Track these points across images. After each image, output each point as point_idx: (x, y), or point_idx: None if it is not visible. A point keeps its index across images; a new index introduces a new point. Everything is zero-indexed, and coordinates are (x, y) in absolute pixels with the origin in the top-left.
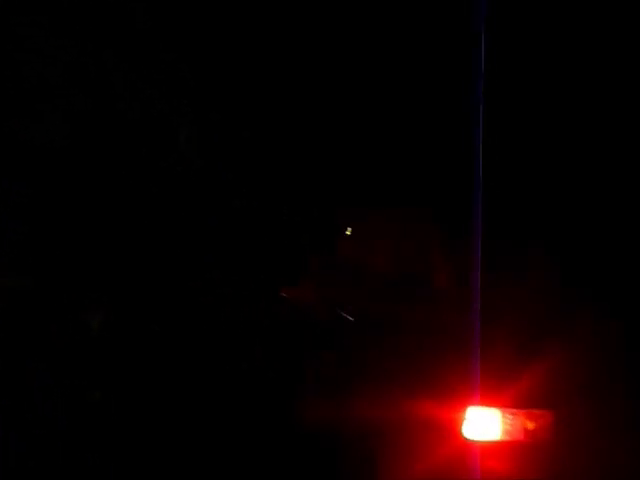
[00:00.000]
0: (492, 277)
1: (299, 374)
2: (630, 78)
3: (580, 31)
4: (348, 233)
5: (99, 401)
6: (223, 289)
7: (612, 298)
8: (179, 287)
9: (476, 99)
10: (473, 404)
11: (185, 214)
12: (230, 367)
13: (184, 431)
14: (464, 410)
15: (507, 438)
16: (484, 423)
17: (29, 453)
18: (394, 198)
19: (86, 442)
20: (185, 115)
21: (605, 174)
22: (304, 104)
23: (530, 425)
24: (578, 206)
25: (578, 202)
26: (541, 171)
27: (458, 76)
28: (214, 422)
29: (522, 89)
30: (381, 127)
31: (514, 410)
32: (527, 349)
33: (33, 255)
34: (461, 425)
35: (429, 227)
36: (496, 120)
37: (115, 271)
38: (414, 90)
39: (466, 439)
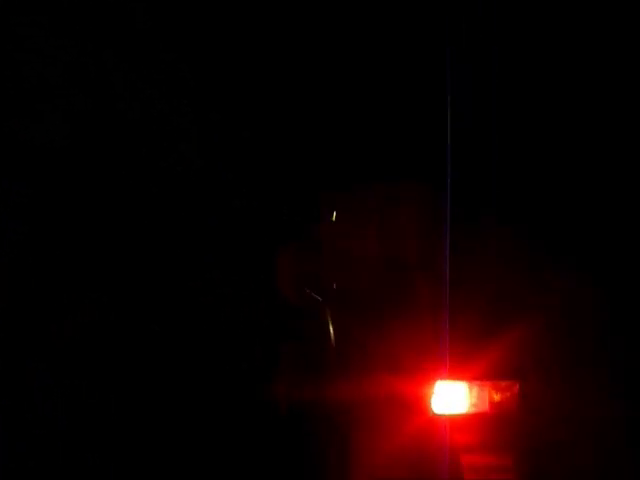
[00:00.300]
0: (459, 254)
1: (274, 358)
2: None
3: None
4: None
5: (99, 401)
6: (223, 289)
7: (578, 271)
8: (179, 287)
9: (455, 87)
10: (441, 379)
11: (185, 214)
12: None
13: (180, 427)
14: (432, 385)
15: (474, 410)
16: (451, 397)
17: (29, 453)
18: (369, 180)
19: (86, 442)
20: (185, 115)
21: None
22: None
23: (496, 397)
24: (545, 185)
25: (545, 180)
26: (512, 151)
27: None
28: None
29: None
30: (361, 113)
31: (480, 383)
32: (492, 322)
33: (33, 255)
34: (429, 400)
35: (399, 207)
36: (474, 106)
37: (115, 271)
38: (392, 74)
39: (434, 413)
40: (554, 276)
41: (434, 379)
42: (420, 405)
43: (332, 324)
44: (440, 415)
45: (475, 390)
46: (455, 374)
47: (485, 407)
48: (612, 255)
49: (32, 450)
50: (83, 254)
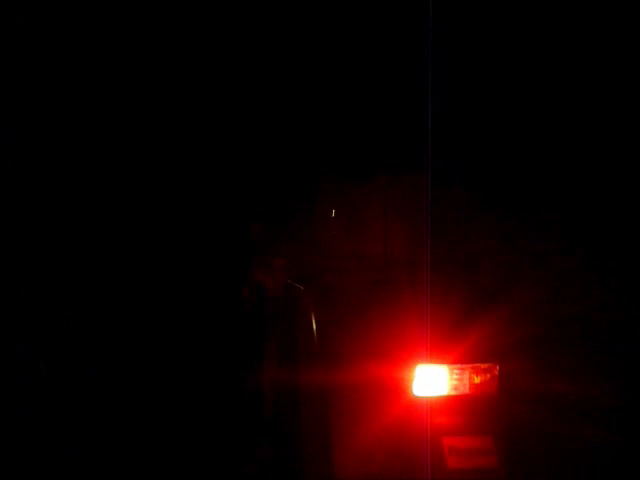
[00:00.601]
0: (440, 241)
1: (259, 346)
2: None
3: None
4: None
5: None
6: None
7: (554, 256)
8: (163, 278)
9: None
10: (421, 362)
11: (169, 209)
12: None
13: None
14: (413, 368)
15: (455, 393)
16: (432, 380)
17: (29, 452)
18: (351, 171)
19: (86, 442)
20: (179, 116)
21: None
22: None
23: (476, 379)
24: (522, 176)
25: (522, 172)
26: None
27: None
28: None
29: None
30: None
31: (461, 365)
32: (471, 306)
33: (33, 256)
34: (410, 383)
35: (383, 197)
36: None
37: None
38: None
39: (415, 396)
40: (533, 260)
41: (415, 362)
42: (401, 388)
43: (314, 311)
44: (421, 398)
45: (455, 373)
46: (435, 357)
47: (465, 389)
48: (588, 239)
49: (32, 450)
50: (82, 254)
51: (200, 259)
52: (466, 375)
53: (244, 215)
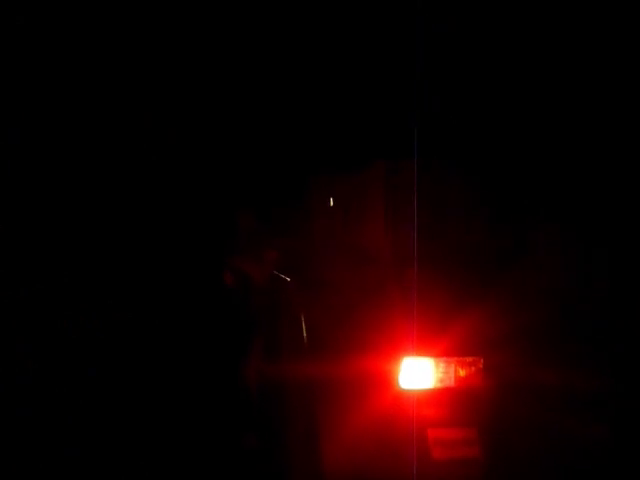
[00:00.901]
0: (426, 240)
1: (247, 339)
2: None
3: None
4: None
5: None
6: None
7: (537, 253)
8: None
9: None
10: (408, 355)
11: (159, 208)
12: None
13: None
14: (399, 361)
15: (440, 385)
16: (418, 372)
17: (29, 452)
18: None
19: (86, 441)
20: (181, 114)
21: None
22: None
23: (462, 372)
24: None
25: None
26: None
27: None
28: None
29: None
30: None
31: (446, 359)
32: (457, 301)
33: (33, 256)
34: (397, 376)
35: (371, 193)
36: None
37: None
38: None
39: (402, 388)
40: (517, 256)
41: (401, 355)
42: (388, 380)
43: (301, 304)
44: (407, 390)
45: (441, 366)
46: (421, 350)
47: (451, 382)
48: (569, 235)
49: (31, 449)
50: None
51: (184, 245)
52: (451, 368)
53: (232, 204)
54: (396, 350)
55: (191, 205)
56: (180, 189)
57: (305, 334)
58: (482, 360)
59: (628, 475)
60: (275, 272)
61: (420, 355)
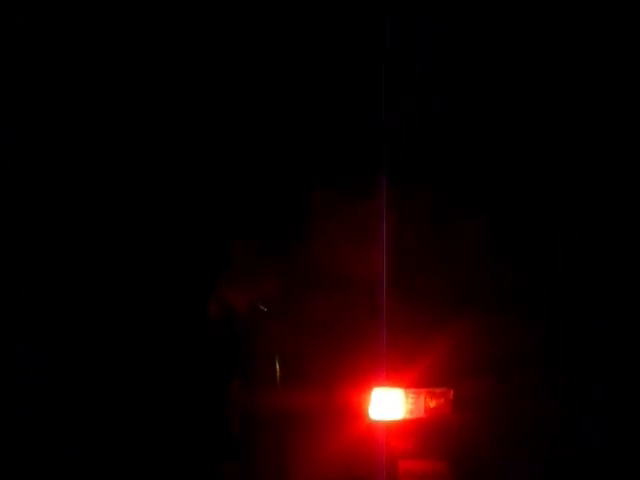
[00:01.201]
0: (397, 269)
1: (226, 370)
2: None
3: None
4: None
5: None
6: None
7: (507, 281)
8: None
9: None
10: (378, 385)
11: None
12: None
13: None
14: (370, 392)
15: (410, 416)
16: (389, 403)
17: (29, 452)
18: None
19: (86, 441)
20: (182, 114)
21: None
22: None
23: (432, 403)
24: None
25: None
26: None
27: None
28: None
29: None
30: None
31: (416, 389)
32: (427, 332)
33: (33, 256)
34: (367, 406)
35: (340, 223)
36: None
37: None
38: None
39: (372, 419)
40: (488, 286)
41: (371, 386)
42: (358, 411)
43: (273, 335)
44: (377, 421)
45: (411, 396)
46: (392, 381)
47: (421, 413)
48: (541, 262)
49: (31, 449)
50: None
51: (169, 276)
52: (421, 399)
53: (224, 234)
54: (366, 380)
55: (180, 239)
56: (172, 225)
57: (277, 364)
58: (452, 391)
59: None
60: (254, 302)
61: (390, 385)
